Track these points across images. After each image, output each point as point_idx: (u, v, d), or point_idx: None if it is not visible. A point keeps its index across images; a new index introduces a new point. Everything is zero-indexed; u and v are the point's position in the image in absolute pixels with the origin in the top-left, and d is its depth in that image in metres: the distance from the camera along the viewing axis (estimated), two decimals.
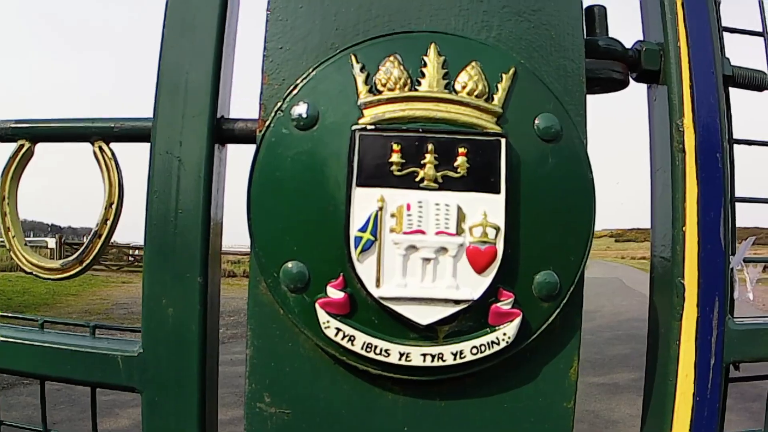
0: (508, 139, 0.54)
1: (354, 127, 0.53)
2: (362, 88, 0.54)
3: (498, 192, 0.53)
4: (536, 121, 0.56)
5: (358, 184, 0.52)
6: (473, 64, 0.56)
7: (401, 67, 0.55)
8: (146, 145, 0.64)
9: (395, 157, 0.52)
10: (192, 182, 0.63)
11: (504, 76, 0.56)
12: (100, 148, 0.67)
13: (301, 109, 0.54)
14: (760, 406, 0.75)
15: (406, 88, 0.54)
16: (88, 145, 0.68)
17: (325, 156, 0.54)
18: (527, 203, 0.54)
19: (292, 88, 0.55)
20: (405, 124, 0.53)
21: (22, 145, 0.68)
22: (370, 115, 0.53)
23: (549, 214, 0.55)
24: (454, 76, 0.55)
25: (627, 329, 7.72)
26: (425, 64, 0.55)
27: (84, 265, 0.68)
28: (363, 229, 0.52)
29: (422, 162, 0.52)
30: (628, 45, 0.72)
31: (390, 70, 0.54)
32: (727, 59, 0.74)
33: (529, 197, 0.54)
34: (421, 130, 0.53)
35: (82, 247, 0.68)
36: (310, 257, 0.53)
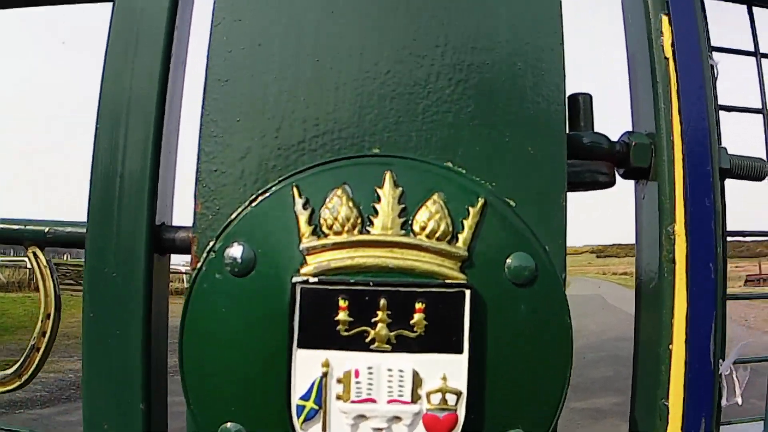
0: (473, 289, 0.47)
1: (295, 279, 0.46)
2: (305, 229, 0.47)
3: (460, 351, 0.46)
4: (508, 262, 0.49)
5: (300, 346, 0.46)
6: (435, 197, 0.48)
7: (350, 204, 0.47)
8: None
9: (342, 315, 0.46)
10: (130, 297, 0.56)
11: (471, 210, 0.49)
12: (34, 254, 0.61)
13: (235, 252, 0.47)
14: None
15: (356, 231, 0.47)
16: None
17: (263, 309, 0.47)
18: (495, 360, 0.48)
19: (226, 225, 0.48)
20: (354, 276, 0.46)
21: None
22: (313, 263, 0.46)
23: (520, 369, 0.49)
24: (413, 211, 0.48)
25: (610, 350, 7.68)
26: (379, 199, 0.48)
27: (23, 379, 0.63)
28: (306, 397, 0.45)
29: (373, 320, 0.46)
30: (616, 133, 0.66)
31: (337, 208, 0.47)
32: (724, 149, 0.67)
33: (497, 353, 0.48)
34: (372, 283, 0.46)
35: (21, 360, 0.62)
36: (249, 420, 0.47)
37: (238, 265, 0.47)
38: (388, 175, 0.48)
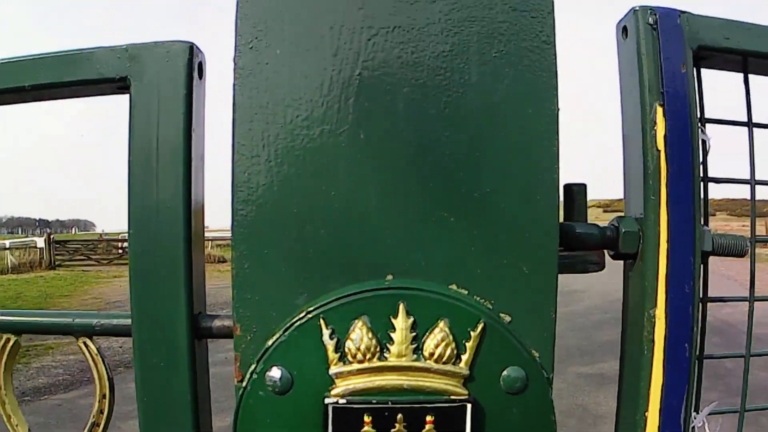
0: (474, 401, 0.56)
1: (327, 401, 0.56)
2: (333, 356, 0.56)
3: None
4: (503, 374, 0.58)
5: None
6: (441, 325, 0.57)
7: (369, 334, 0.56)
8: None
9: (367, 428, 0.56)
10: (176, 382, 0.67)
11: (472, 334, 0.57)
12: (85, 344, 0.71)
13: (275, 374, 0.57)
14: None
15: (375, 359, 0.56)
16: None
17: (301, 421, 0.57)
18: None
19: (264, 351, 0.57)
20: (375, 396, 0.56)
21: (8, 339, 0.71)
22: (341, 386, 0.56)
23: None
24: (423, 337, 0.57)
25: (616, 311, 8.00)
26: (393, 328, 0.57)
27: None
28: None
29: (392, 430, 0.56)
30: None
31: (359, 339, 0.56)
32: (708, 231, 0.74)
33: None
34: (390, 402, 0.56)
35: None
36: None
37: (277, 386, 0.57)
38: (401, 307, 0.57)
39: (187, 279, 0.66)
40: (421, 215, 0.59)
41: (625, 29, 0.75)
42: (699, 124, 0.76)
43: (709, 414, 0.77)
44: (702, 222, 0.74)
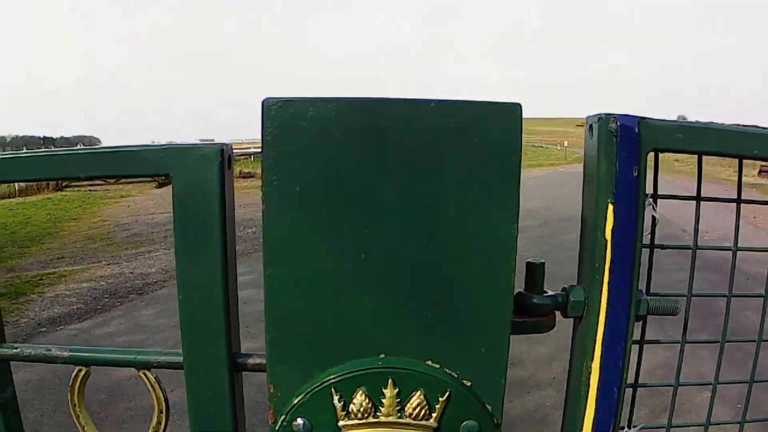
0: None
1: None
2: (340, 414, 0.79)
3: None
4: (463, 425, 0.80)
5: None
6: (418, 393, 0.79)
7: (367, 399, 0.78)
8: None
9: None
10: (219, 408, 0.90)
11: (440, 399, 0.79)
12: (145, 374, 0.94)
13: (299, 423, 0.80)
14: None
15: (371, 417, 0.79)
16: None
17: None
18: None
19: (291, 406, 0.80)
20: None
21: (81, 369, 0.95)
22: None
23: None
24: (405, 401, 0.79)
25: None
26: (384, 396, 0.79)
27: None
28: None
29: None
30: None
31: (360, 403, 0.78)
32: (644, 298, 0.91)
33: None
34: None
35: None
36: None
37: (301, 431, 0.80)
38: (390, 381, 0.79)
39: (226, 326, 0.88)
40: (406, 312, 0.79)
41: (591, 127, 0.89)
42: (651, 201, 0.92)
43: (641, 428, 0.99)
44: (643, 289, 0.92)
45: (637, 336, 0.94)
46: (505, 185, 0.77)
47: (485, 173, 0.77)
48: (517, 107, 0.76)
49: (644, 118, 0.87)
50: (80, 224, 12.85)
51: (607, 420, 0.92)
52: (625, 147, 0.86)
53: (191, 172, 0.84)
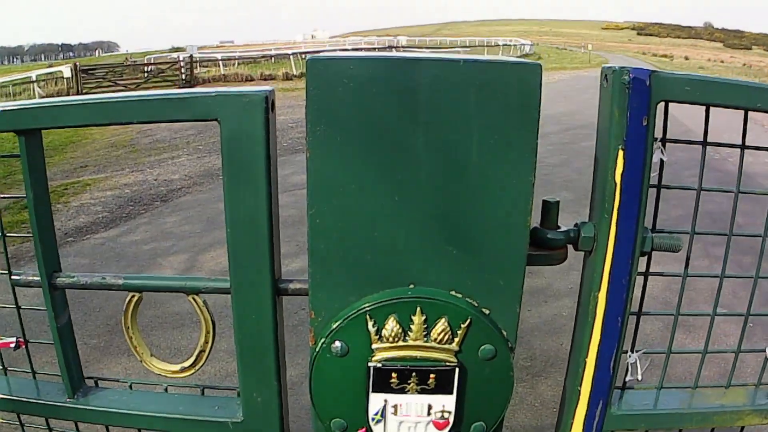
0: (460, 366, 0.91)
1: (370, 364, 0.90)
2: (374, 338, 0.90)
3: (451, 393, 0.92)
4: (481, 348, 0.91)
5: (373, 391, 0.92)
6: (443, 320, 0.89)
7: (398, 326, 0.89)
8: None
9: (393, 379, 0.91)
10: (263, 328, 1.02)
11: (462, 326, 0.90)
12: (194, 299, 1.05)
13: (337, 345, 0.91)
14: None
15: (400, 340, 0.90)
16: None
17: (354, 374, 0.92)
18: (469, 395, 0.93)
19: (330, 331, 0.91)
20: (399, 362, 0.90)
21: (134, 296, 1.06)
22: (379, 355, 0.90)
23: (482, 397, 0.94)
24: (431, 327, 0.90)
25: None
26: (413, 322, 0.89)
27: (196, 368, 1.11)
28: (376, 414, 0.93)
29: (408, 382, 0.91)
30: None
31: (391, 329, 0.89)
32: (650, 236, 1.00)
33: (470, 392, 0.93)
34: (408, 366, 0.90)
35: (194, 358, 1.10)
36: (349, 417, 0.96)
37: (339, 352, 0.91)
38: (418, 309, 0.89)
39: (270, 255, 0.98)
40: (433, 246, 0.89)
41: (606, 78, 0.95)
42: (660, 145, 0.99)
43: (643, 352, 1.10)
44: (649, 226, 1.01)
45: (642, 269, 1.04)
46: (525, 136, 0.85)
47: (506, 126, 0.84)
48: (537, 67, 0.83)
49: (655, 71, 0.94)
50: (102, 131, 12.68)
51: (611, 345, 1.02)
52: (637, 98, 0.92)
53: (238, 118, 0.92)
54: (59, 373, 1.17)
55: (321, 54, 0.83)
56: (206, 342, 1.09)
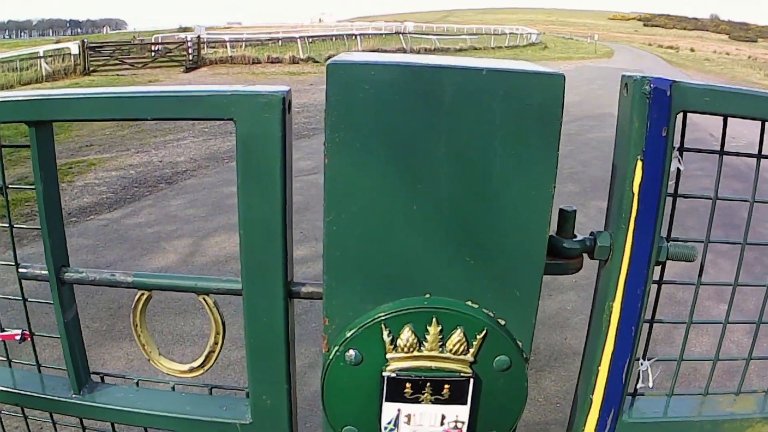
0: (475, 377, 0.90)
1: (384, 374, 0.89)
2: (389, 347, 0.89)
3: (465, 404, 0.91)
4: (495, 359, 0.91)
5: (386, 401, 0.91)
6: (459, 330, 0.88)
7: (413, 335, 0.88)
8: None
9: (407, 389, 0.90)
10: (274, 329, 1.01)
11: (478, 336, 0.89)
12: (204, 299, 1.04)
13: (351, 354, 0.90)
14: None
15: (415, 351, 0.89)
16: None
17: (368, 382, 0.91)
18: (482, 406, 0.93)
19: (344, 339, 0.90)
20: (413, 372, 0.89)
21: (143, 294, 1.05)
22: (393, 365, 0.89)
23: (495, 407, 0.94)
24: (446, 337, 0.89)
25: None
26: (428, 332, 0.88)
27: (205, 368, 1.10)
28: (388, 424, 0.92)
29: (423, 392, 0.90)
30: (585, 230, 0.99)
31: (407, 339, 0.88)
32: (665, 245, 0.99)
33: (483, 403, 0.93)
34: (423, 376, 0.89)
35: (203, 359, 1.09)
36: (361, 426, 0.95)
37: (353, 361, 0.90)
38: (434, 320, 0.88)
39: (283, 257, 0.97)
40: (450, 255, 0.87)
41: (626, 86, 0.94)
42: (677, 154, 0.98)
43: (655, 360, 1.10)
44: (665, 235, 1.00)
45: (656, 276, 1.03)
46: (546, 146, 0.84)
47: (528, 135, 0.83)
48: (560, 77, 0.81)
49: (676, 81, 0.92)
50: None
51: (624, 354, 1.02)
52: (657, 108, 0.91)
53: (255, 118, 0.90)
54: (63, 366, 1.15)
55: (342, 58, 0.81)
56: (216, 343, 1.07)
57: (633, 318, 1.00)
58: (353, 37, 30.92)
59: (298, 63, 23.96)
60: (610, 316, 0.99)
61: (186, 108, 0.93)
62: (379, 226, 0.86)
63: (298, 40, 27.82)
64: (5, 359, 1.24)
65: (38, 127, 0.99)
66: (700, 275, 1.07)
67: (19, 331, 1.21)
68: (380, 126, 0.82)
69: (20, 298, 1.17)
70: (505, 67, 0.82)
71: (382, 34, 35.83)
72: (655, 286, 1.04)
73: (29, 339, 1.21)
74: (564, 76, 0.82)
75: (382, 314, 0.89)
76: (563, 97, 0.83)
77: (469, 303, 0.90)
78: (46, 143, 1.02)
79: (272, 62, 24.00)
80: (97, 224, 5.63)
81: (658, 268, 1.02)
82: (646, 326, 1.06)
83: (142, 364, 3.39)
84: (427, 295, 0.89)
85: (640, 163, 0.93)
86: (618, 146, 0.97)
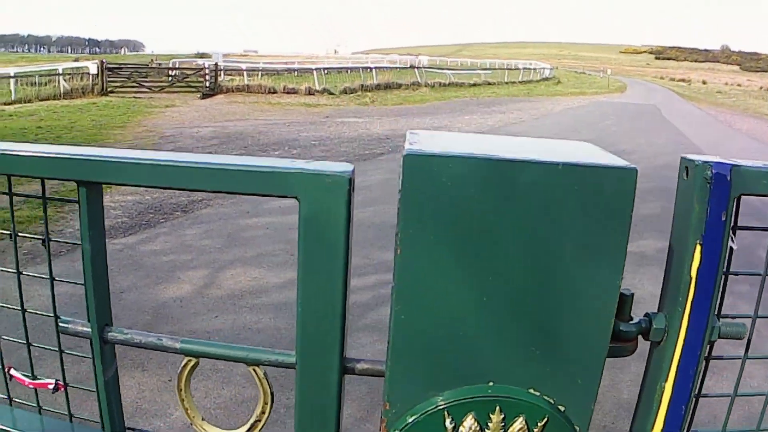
0: None
1: None
2: None
3: None
4: None
5: None
6: (521, 419, 0.88)
7: (476, 424, 0.87)
8: None
9: None
10: (327, 409, 0.99)
11: (539, 424, 0.88)
12: (254, 370, 1.02)
13: None
14: None
15: None
16: None
17: None
18: None
19: (405, 424, 0.89)
20: None
21: (189, 360, 1.03)
22: None
23: None
24: (509, 425, 0.88)
25: (660, 179, 7.13)
26: (491, 420, 0.88)
27: None
28: None
29: None
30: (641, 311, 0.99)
31: (469, 427, 0.87)
32: (718, 325, 1.00)
33: None
34: None
35: (248, 428, 1.07)
36: None
37: None
38: (497, 408, 0.87)
39: (341, 334, 0.95)
40: (515, 344, 0.87)
41: (687, 170, 0.94)
42: (731, 233, 0.99)
43: None
44: (716, 313, 1.01)
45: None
46: (616, 238, 0.83)
47: (599, 228, 0.83)
48: (633, 171, 0.81)
49: (736, 164, 0.93)
50: (125, 133, 12.38)
51: (673, 431, 1.02)
52: (717, 193, 0.91)
53: (320, 198, 0.88)
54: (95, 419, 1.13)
55: (419, 148, 0.80)
56: (263, 412, 1.06)
57: (684, 397, 1.00)
58: (368, 69, 30.52)
59: (313, 94, 23.83)
60: (662, 395, 0.99)
61: (247, 183, 0.91)
62: (447, 315, 0.85)
63: (314, 72, 27.59)
64: (36, 406, 1.21)
65: (89, 187, 0.96)
66: (746, 351, 1.08)
67: (53, 381, 1.18)
68: (454, 218, 0.81)
69: (56, 349, 1.14)
70: (579, 160, 0.82)
71: (397, 68, 33.83)
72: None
73: (62, 390, 1.18)
74: (636, 170, 0.82)
75: (445, 402, 0.88)
76: (634, 190, 0.83)
77: (531, 391, 0.89)
78: (95, 203, 0.99)
79: (288, 92, 23.77)
80: (112, 249, 5.50)
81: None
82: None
83: (153, 395, 3.33)
84: (491, 383, 0.88)
85: (699, 248, 0.93)
86: (676, 229, 0.97)
